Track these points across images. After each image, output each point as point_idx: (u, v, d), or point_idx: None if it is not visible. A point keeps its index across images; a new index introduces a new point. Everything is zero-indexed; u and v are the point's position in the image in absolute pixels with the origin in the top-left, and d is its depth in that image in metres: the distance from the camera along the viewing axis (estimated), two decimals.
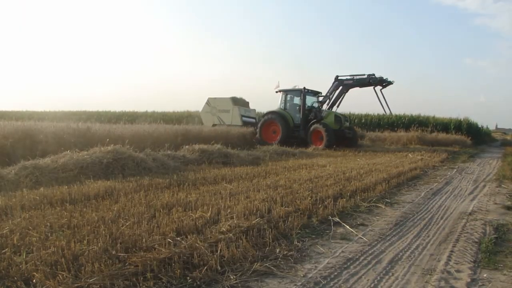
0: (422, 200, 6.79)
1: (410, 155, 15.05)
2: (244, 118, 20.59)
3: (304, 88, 18.81)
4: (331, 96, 18.89)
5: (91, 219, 4.28)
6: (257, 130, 18.88)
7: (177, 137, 13.09)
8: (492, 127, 67.55)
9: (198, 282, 3.03)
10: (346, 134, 18.58)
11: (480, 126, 33.57)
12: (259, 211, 4.85)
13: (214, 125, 20.43)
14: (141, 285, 2.91)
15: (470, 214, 5.76)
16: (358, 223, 5.06)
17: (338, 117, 18.52)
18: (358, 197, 6.33)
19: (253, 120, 21.09)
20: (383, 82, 18.17)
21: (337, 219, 5.02)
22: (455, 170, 11.59)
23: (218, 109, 21.20)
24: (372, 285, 3.16)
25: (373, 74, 17.80)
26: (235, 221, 4.30)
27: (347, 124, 19.41)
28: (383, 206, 6.01)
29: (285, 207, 5.21)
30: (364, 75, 18.12)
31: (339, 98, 18.93)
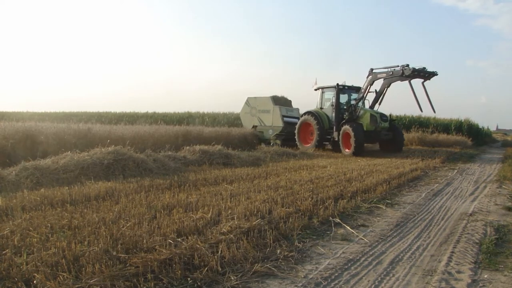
0: (422, 201, 6.78)
1: (410, 156, 15.02)
2: (285, 119, 18.91)
3: (338, 84, 16.56)
4: (366, 92, 16.19)
5: (92, 220, 4.28)
6: (295, 132, 17.51)
7: (178, 138, 13.11)
8: (493, 128, 67.57)
9: (198, 283, 3.04)
10: (383, 136, 15.97)
11: (481, 127, 33.48)
12: (259, 212, 4.85)
13: (254, 126, 19.52)
14: (141, 286, 2.91)
15: (470, 215, 5.75)
16: (359, 224, 5.06)
17: (374, 116, 15.57)
18: (358, 198, 6.33)
19: (297, 120, 18.63)
20: (425, 73, 14.70)
21: (338, 220, 5.02)
22: (456, 171, 11.58)
23: (258, 109, 19.79)
24: (373, 286, 3.16)
25: (407, 65, 14.60)
26: (236, 222, 4.30)
27: (385, 124, 16.08)
28: (384, 207, 6.01)
29: (286, 208, 5.21)
30: (397, 66, 14.96)
31: (381, 94, 15.90)
